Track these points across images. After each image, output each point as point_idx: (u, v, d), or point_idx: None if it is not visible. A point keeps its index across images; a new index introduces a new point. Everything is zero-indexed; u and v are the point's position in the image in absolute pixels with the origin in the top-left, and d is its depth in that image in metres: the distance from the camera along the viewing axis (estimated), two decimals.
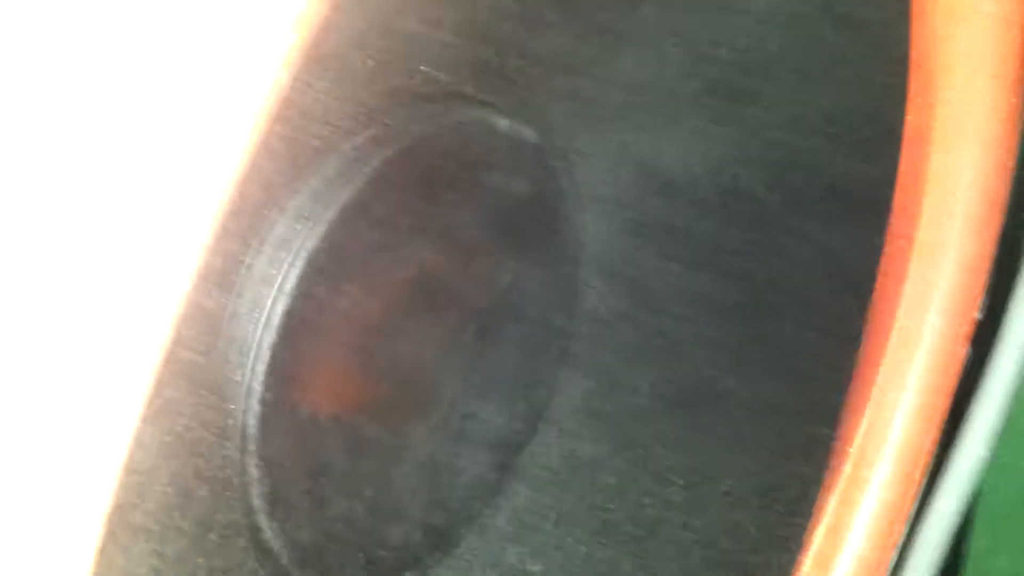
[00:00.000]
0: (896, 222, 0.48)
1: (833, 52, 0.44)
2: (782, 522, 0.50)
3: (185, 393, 0.31)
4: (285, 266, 0.34)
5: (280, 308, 0.34)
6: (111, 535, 0.27)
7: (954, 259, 0.48)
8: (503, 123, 0.41)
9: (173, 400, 0.30)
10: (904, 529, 0.49)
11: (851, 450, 0.50)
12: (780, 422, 0.50)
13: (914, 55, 0.44)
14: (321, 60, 0.34)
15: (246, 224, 0.33)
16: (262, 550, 0.36)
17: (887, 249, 0.48)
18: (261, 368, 0.34)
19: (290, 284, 0.34)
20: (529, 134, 0.42)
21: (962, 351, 0.49)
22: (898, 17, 0.43)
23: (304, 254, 0.34)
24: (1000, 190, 0.47)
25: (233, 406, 0.33)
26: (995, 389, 0.45)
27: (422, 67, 0.36)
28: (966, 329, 0.49)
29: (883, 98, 0.45)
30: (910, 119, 0.46)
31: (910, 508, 0.49)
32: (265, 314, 0.34)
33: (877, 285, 0.49)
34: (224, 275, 0.33)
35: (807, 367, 0.49)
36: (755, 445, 0.50)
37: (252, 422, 0.34)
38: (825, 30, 0.43)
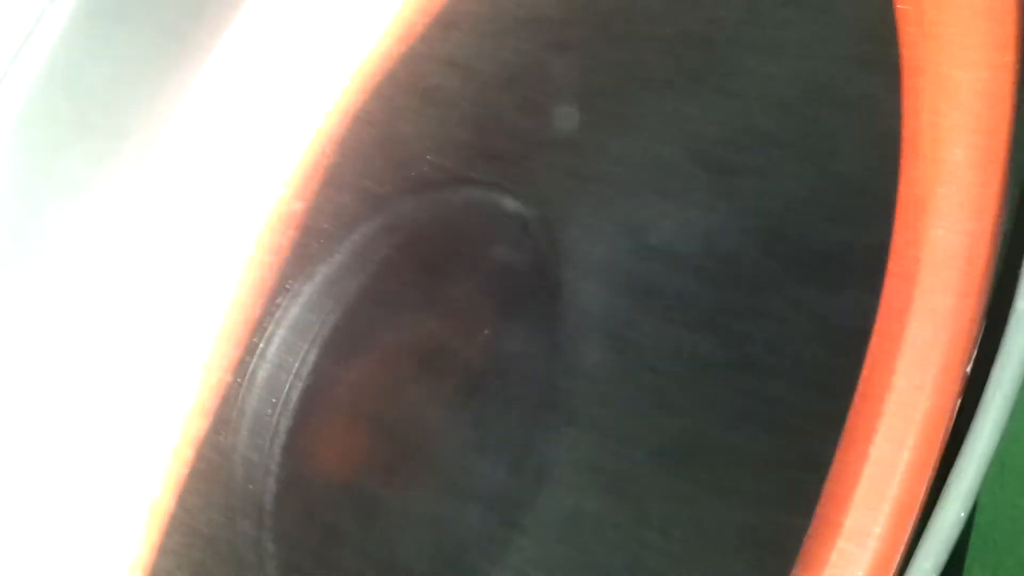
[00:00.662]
0: (891, 288, 0.50)
1: (825, 129, 0.46)
2: (770, 568, 0.52)
3: (200, 479, 0.32)
4: (301, 352, 0.35)
5: (296, 391, 0.35)
6: None
7: (949, 323, 0.50)
8: (506, 202, 0.42)
9: (189, 489, 0.31)
10: None
11: (850, 502, 0.52)
12: (772, 474, 0.52)
13: (906, 130, 0.46)
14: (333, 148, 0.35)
15: (261, 310, 0.35)
16: None
17: (881, 313, 0.50)
18: (277, 447, 0.35)
19: (305, 369, 0.35)
20: (531, 211, 0.43)
21: (952, 405, 0.51)
22: (888, 94, 0.45)
23: (319, 340, 0.36)
24: (988, 255, 0.49)
25: (251, 486, 0.35)
26: (979, 443, 0.47)
27: (428, 156, 0.37)
28: (957, 386, 0.51)
29: (874, 170, 0.47)
30: (903, 190, 0.48)
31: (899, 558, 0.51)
32: (282, 397, 0.35)
33: (871, 346, 0.51)
34: (239, 360, 0.34)
35: (798, 422, 0.51)
36: (748, 496, 0.51)
37: (268, 499, 0.35)
38: (817, 109, 0.45)
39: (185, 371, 0.32)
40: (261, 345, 0.36)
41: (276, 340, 0.36)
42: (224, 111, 0.26)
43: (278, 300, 0.36)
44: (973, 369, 0.50)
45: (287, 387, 0.35)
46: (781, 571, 0.52)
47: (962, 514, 0.46)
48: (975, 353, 0.50)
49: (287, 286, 0.36)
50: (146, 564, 0.26)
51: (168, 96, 0.23)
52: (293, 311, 0.36)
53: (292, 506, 0.37)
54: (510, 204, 0.43)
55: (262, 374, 0.36)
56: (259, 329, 0.35)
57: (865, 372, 0.51)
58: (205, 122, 0.25)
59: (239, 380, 0.35)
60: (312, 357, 0.36)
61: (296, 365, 0.36)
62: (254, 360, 0.36)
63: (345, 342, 0.38)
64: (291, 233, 0.34)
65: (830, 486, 0.51)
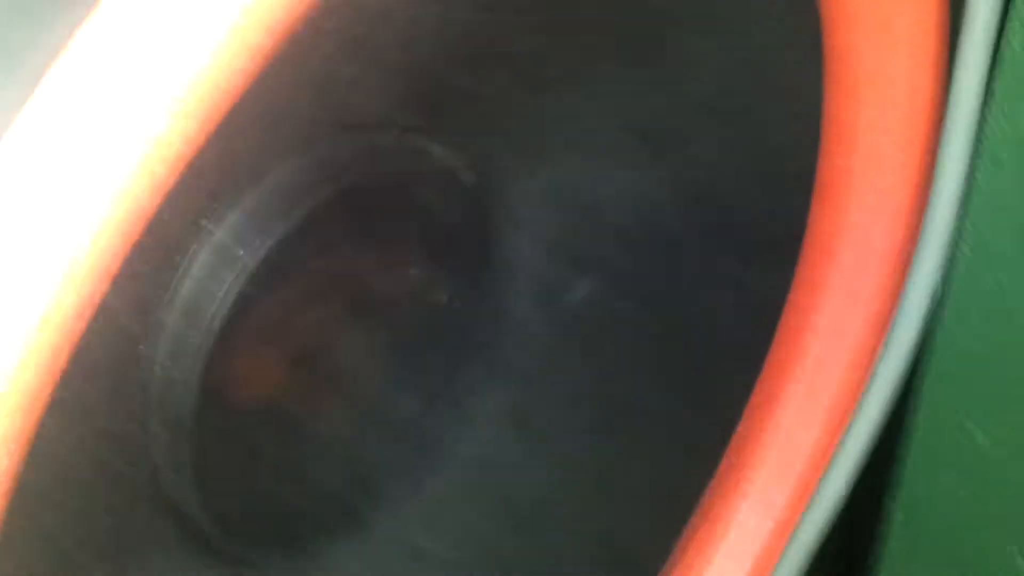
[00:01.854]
0: (807, 263, 0.52)
1: (755, 105, 0.48)
2: (674, 525, 0.54)
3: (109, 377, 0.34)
4: (225, 278, 0.38)
5: (219, 315, 0.38)
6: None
7: (864, 303, 0.52)
8: (437, 150, 0.45)
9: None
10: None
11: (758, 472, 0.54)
12: (683, 436, 0.54)
13: (828, 113, 0.48)
14: (265, 81, 0.37)
15: (182, 230, 0.37)
16: (186, 519, 0.41)
17: (795, 286, 0.52)
18: (198, 367, 0.38)
19: (229, 294, 0.38)
20: (462, 162, 0.46)
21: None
22: (813, 79, 0.46)
23: (243, 267, 0.38)
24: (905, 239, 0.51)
25: (169, 397, 0.37)
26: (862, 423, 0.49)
27: (360, 100, 0.39)
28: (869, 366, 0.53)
29: (800, 148, 0.49)
30: (824, 170, 0.50)
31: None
32: (205, 320, 0.37)
33: (784, 318, 0.53)
34: (159, 273, 0.37)
35: (712, 387, 0.53)
36: (657, 451, 0.54)
37: (186, 412, 0.38)
38: (748, 85, 0.47)
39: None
40: (184, 263, 0.38)
41: (200, 261, 0.39)
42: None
43: (202, 222, 0.38)
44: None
45: (211, 310, 0.38)
46: (682, 526, 0.54)
47: (842, 491, 0.49)
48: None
49: (213, 208, 0.38)
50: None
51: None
52: (218, 235, 0.39)
53: (210, 421, 0.39)
54: (441, 153, 0.45)
55: (185, 293, 0.38)
56: (181, 248, 0.38)
57: (776, 343, 0.53)
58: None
59: (161, 293, 0.38)
60: (236, 283, 0.38)
61: (219, 290, 0.38)
62: (176, 276, 0.38)
63: (269, 271, 0.40)
64: (220, 155, 0.37)
65: (741, 457, 0.54)
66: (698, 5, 0.46)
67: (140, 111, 0.26)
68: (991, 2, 0.40)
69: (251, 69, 0.30)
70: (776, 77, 0.47)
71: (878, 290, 0.51)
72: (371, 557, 0.49)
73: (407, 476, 0.50)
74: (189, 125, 0.28)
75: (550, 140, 0.48)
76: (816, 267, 0.51)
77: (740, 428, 0.54)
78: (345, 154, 0.42)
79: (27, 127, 0.25)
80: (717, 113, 0.47)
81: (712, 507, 0.53)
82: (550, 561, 0.52)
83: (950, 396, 0.48)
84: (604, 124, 0.47)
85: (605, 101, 0.47)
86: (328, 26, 0.33)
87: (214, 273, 0.38)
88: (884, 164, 0.49)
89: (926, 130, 0.49)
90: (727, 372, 0.52)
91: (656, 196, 0.49)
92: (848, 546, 0.67)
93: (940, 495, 0.53)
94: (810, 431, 0.53)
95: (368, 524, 0.49)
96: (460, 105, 0.44)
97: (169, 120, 0.27)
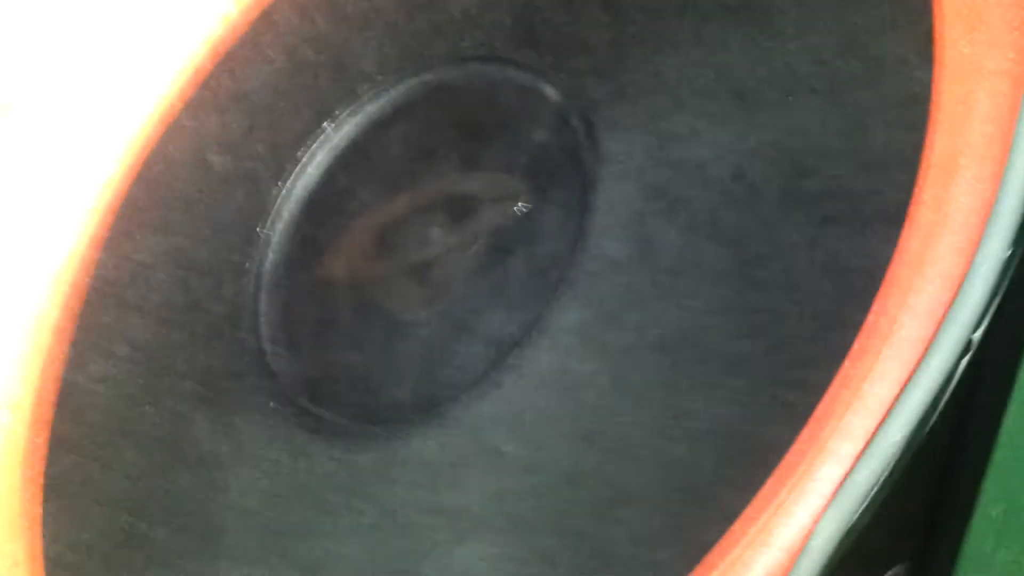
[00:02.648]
0: (907, 241, 0.54)
1: (856, 83, 0.50)
2: (744, 469, 0.57)
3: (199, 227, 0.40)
4: (320, 159, 0.43)
5: (307, 188, 0.43)
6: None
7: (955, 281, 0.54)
8: (548, 90, 0.49)
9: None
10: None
11: (830, 426, 0.56)
12: (759, 383, 0.57)
13: (934, 98, 0.50)
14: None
15: (300, 126, 0.42)
16: (274, 378, 0.47)
17: (893, 259, 0.54)
18: (286, 232, 0.43)
19: (318, 172, 0.43)
20: (572, 104, 0.49)
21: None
22: (920, 61, 0.48)
23: (335, 150, 0.43)
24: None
25: (260, 257, 0.43)
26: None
27: (476, 32, 0.44)
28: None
29: (900, 129, 0.51)
30: (927, 153, 0.51)
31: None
32: (296, 190, 0.43)
33: (880, 293, 0.55)
34: (274, 162, 0.42)
35: (791, 341, 0.56)
36: (734, 398, 0.57)
37: (274, 272, 0.44)
38: (850, 62, 0.49)
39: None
40: (302, 156, 0.44)
41: (316, 156, 0.44)
42: None
43: (321, 122, 0.44)
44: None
45: (316, 194, 0.43)
46: (754, 473, 0.57)
47: (898, 436, 0.51)
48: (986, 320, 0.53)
49: (330, 112, 0.44)
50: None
51: None
52: (333, 134, 0.44)
53: (295, 283, 0.45)
54: (552, 92, 0.49)
55: (299, 183, 0.44)
56: (300, 142, 0.43)
57: (871, 316, 0.55)
58: None
59: (277, 181, 0.44)
60: (343, 175, 0.43)
61: (311, 164, 0.43)
62: (295, 170, 0.44)
63: (377, 172, 0.45)
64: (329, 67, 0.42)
65: (817, 409, 0.56)
66: None
67: None
68: None
69: None
70: (879, 57, 0.49)
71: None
72: (446, 445, 0.54)
73: (482, 376, 0.55)
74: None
75: (652, 91, 0.51)
76: (918, 247, 0.53)
77: (829, 390, 0.56)
78: (458, 78, 0.46)
79: None
80: (816, 85, 0.50)
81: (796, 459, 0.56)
82: (612, 474, 0.56)
83: None
84: (705, 83, 0.50)
85: (708, 61, 0.50)
86: None
87: (320, 158, 0.43)
88: (991, 152, 0.51)
89: None
90: (797, 324, 0.55)
91: (748, 155, 0.52)
92: (932, 522, 0.69)
93: None
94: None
95: (444, 416, 0.54)
96: (571, 48, 0.48)
97: None
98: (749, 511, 0.57)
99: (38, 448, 0.32)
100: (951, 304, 0.51)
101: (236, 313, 0.44)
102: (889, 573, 0.69)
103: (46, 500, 0.33)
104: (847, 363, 0.56)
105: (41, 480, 0.32)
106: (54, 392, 0.32)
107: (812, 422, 0.56)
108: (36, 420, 0.31)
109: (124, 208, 0.32)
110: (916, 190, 0.52)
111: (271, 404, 0.47)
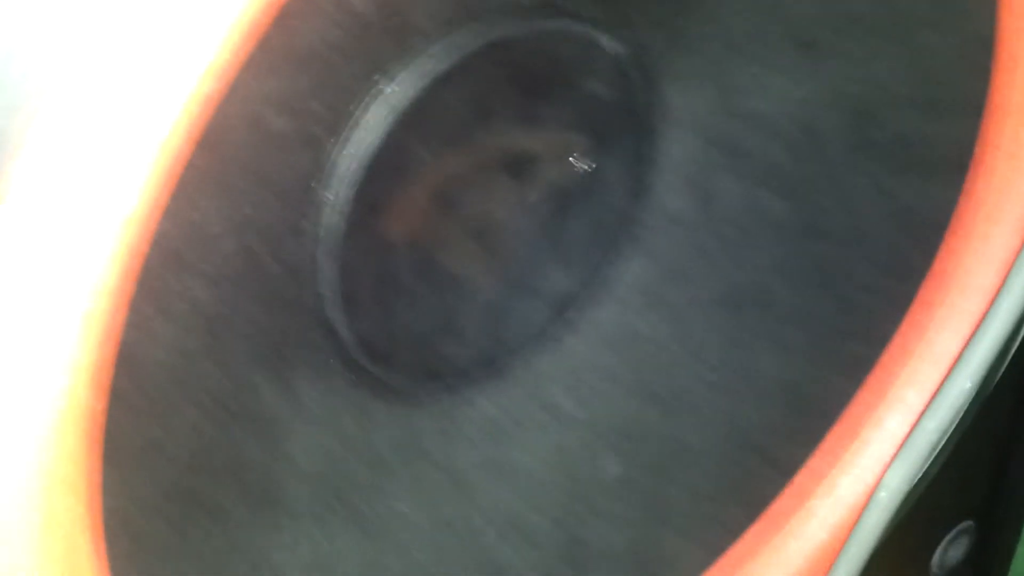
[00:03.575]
0: (973, 187, 0.53)
1: (919, 24, 0.48)
2: (809, 422, 0.56)
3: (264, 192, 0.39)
4: (379, 116, 0.43)
5: (369, 149, 0.43)
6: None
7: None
8: (603, 39, 0.48)
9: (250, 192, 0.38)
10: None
11: (899, 378, 0.56)
12: (824, 336, 0.56)
13: (1000, 40, 0.48)
14: None
15: (353, 80, 0.42)
16: (335, 338, 0.46)
17: (960, 206, 0.53)
18: (350, 194, 0.43)
19: (380, 132, 0.43)
20: (627, 52, 0.48)
21: None
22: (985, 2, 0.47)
23: (397, 110, 0.43)
24: None
25: (321, 218, 0.43)
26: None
27: None
28: None
29: (964, 71, 0.49)
30: (993, 96, 0.50)
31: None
32: (358, 151, 0.42)
33: (946, 240, 0.54)
34: (330, 121, 0.42)
35: (856, 292, 0.55)
36: (796, 351, 0.56)
37: (336, 234, 0.43)
38: (912, 2, 0.48)
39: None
40: (356, 113, 0.43)
41: (371, 112, 0.43)
42: None
43: (375, 77, 0.43)
44: None
45: (366, 140, 0.43)
46: (818, 427, 0.56)
47: (968, 384, 0.50)
48: None
49: (384, 67, 0.43)
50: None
51: None
52: (388, 90, 0.43)
53: (358, 245, 0.44)
54: (607, 42, 0.48)
55: (354, 138, 0.43)
56: (355, 98, 0.43)
57: (938, 264, 0.54)
58: None
59: (332, 139, 0.43)
60: (399, 132, 0.43)
61: (375, 126, 0.43)
62: (348, 125, 0.43)
63: (433, 128, 0.45)
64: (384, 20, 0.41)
65: (884, 359, 0.55)
66: None
67: None
68: None
69: None
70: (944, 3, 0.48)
71: None
72: (505, 404, 0.54)
73: (542, 333, 0.54)
74: None
75: (714, 41, 0.50)
76: (989, 194, 0.52)
77: (895, 340, 0.55)
78: (513, 30, 0.45)
79: None
80: (881, 28, 0.48)
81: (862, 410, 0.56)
82: (675, 432, 0.56)
83: None
84: (769, 31, 0.49)
85: (772, 8, 0.48)
86: None
87: (374, 115, 0.43)
88: None
89: None
90: (863, 275, 0.54)
91: (812, 105, 0.51)
92: (1000, 478, 0.68)
93: None
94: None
95: (504, 374, 0.54)
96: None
97: None
98: (812, 463, 0.56)
99: (98, 410, 0.31)
100: (1021, 251, 0.50)
101: (296, 274, 0.44)
102: (955, 530, 0.68)
103: (107, 461, 0.33)
104: (914, 312, 0.55)
105: (101, 442, 0.32)
106: (114, 354, 0.31)
107: (878, 372, 0.56)
108: (96, 382, 0.31)
109: (185, 171, 0.31)
110: (987, 135, 0.51)
111: (331, 364, 0.47)
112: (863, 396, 0.56)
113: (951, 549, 0.70)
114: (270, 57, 0.34)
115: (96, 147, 0.30)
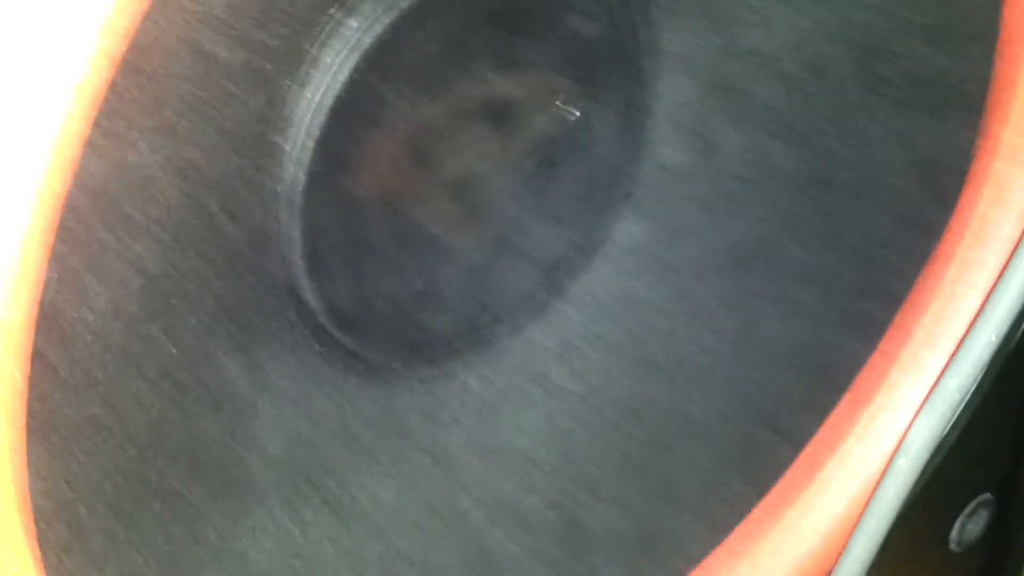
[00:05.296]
0: (989, 122, 0.49)
1: None
2: (820, 389, 0.53)
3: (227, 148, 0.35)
4: (341, 56, 0.38)
5: (331, 93, 0.38)
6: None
7: None
8: None
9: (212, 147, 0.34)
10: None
11: (912, 336, 0.52)
12: (835, 294, 0.52)
13: None
14: None
15: (304, 11, 0.38)
16: (301, 305, 0.42)
17: (978, 149, 0.49)
18: (310, 143, 0.39)
19: (343, 74, 0.38)
20: None
21: None
22: None
23: (361, 49, 0.38)
24: None
25: (280, 172, 0.39)
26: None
27: None
28: None
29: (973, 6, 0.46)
30: (1009, 19, 0.46)
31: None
32: (318, 95, 0.38)
33: (965, 188, 0.50)
34: (283, 57, 0.38)
35: (868, 246, 0.51)
36: (805, 312, 0.52)
37: (297, 189, 0.39)
38: None
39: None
40: (312, 51, 0.39)
41: (329, 51, 0.39)
42: None
43: (331, 10, 0.39)
44: None
45: (323, 88, 0.38)
46: (829, 394, 0.53)
47: (992, 337, 0.47)
48: None
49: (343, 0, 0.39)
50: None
51: None
52: (348, 25, 0.39)
53: (324, 205, 0.40)
54: None
55: (312, 82, 0.39)
56: (309, 33, 0.38)
57: (958, 215, 0.50)
58: None
59: (287, 82, 0.39)
60: (349, 59, 0.38)
61: (334, 66, 0.39)
62: (305, 66, 0.39)
63: (389, 60, 0.40)
64: None
65: (897, 318, 0.52)
66: None
67: None
68: None
69: None
70: None
71: None
72: (492, 378, 0.50)
73: (532, 300, 0.50)
74: None
75: None
76: (1011, 136, 0.49)
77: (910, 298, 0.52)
78: None
79: None
80: None
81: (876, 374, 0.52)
82: (677, 404, 0.52)
83: None
84: None
85: None
86: None
87: (335, 54, 0.38)
88: None
89: None
90: (876, 228, 0.50)
91: (817, 39, 0.47)
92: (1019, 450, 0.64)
93: None
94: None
95: (490, 346, 0.50)
96: None
97: None
98: (824, 432, 0.53)
99: (17, 378, 0.27)
100: None
101: (256, 235, 0.40)
102: (974, 503, 0.65)
103: (33, 443, 0.29)
104: (930, 268, 0.51)
105: (23, 419, 0.28)
106: (33, 313, 0.27)
107: (892, 333, 0.52)
108: (12, 345, 0.27)
109: (110, 99, 0.27)
110: (1004, 69, 0.47)
111: (298, 334, 0.43)
112: (877, 359, 0.52)
113: (969, 523, 0.66)
114: None
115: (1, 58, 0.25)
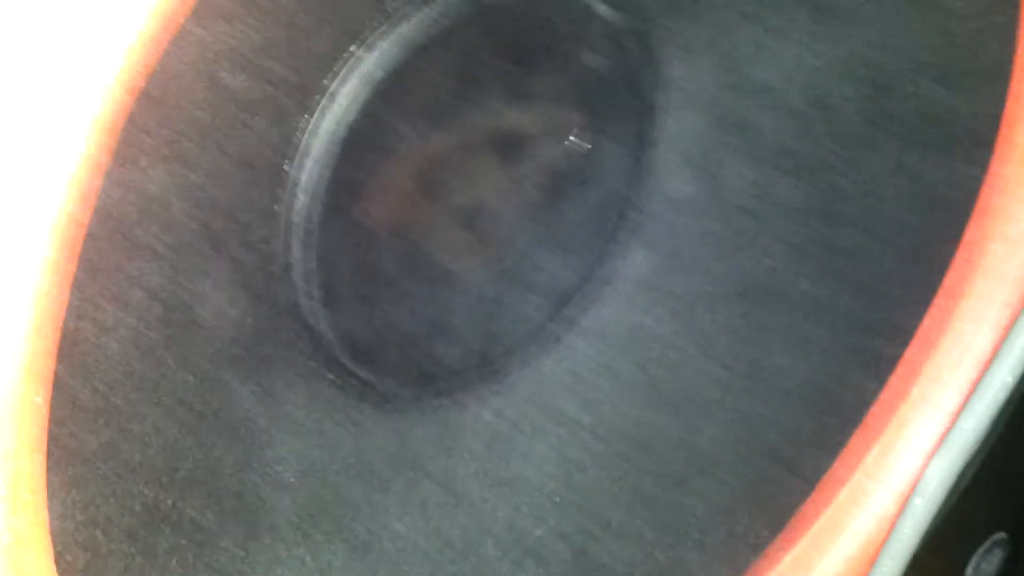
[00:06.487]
0: (998, 163, 0.49)
1: None
2: (830, 424, 0.53)
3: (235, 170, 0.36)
4: (354, 88, 0.39)
5: (344, 124, 0.39)
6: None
7: None
8: (600, 6, 0.44)
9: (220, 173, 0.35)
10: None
11: (923, 373, 0.52)
12: (843, 328, 0.52)
13: None
14: None
15: (325, 47, 0.38)
16: (315, 335, 0.43)
17: (985, 185, 0.49)
18: (324, 174, 0.39)
19: (356, 105, 0.39)
20: (625, 22, 0.45)
21: None
22: None
23: (374, 81, 0.39)
24: None
25: (297, 202, 0.39)
26: None
27: None
28: None
29: (990, 36, 0.46)
30: (1020, 62, 0.46)
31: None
32: (332, 126, 0.39)
33: (971, 222, 0.50)
34: (298, 90, 0.38)
35: (877, 281, 0.51)
36: (814, 347, 0.52)
37: (312, 219, 0.40)
38: None
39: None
40: (331, 88, 0.40)
41: (346, 86, 0.40)
42: None
43: (351, 47, 0.39)
44: None
45: (339, 115, 0.39)
46: (840, 430, 0.53)
47: (1009, 379, 0.47)
48: None
49: (361, 34, 0.39)
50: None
51: None
52: (365, 62, 0.40)
53: (338, 236, 0.41)
54: (606, 10, 0.45)
55: (329, 115, 0.40)
56: (327, 68, 0.39)
57: (961, 247, 0.50)
58: None
59: (302, 113, 0.39)
60: (363, 90, 0.39)
61: (348, 98, 0.39)
62: (323, 100, 0.40)
63: (415, 103, 0.41)
64: None
65: (906, 354, 0.52)
66: None
67: None
68: None
69: None
70: None
71: None
72: (503, 409, 0.50)
73: (541, 331, 0.50)
74: None
75: (717, 4, 0.46)
76: (1015, 171, 0.49)
77: (919, 333, 0.52)
78: None
79: None
80: None
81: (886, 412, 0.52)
82: (687, 437, 0.52)
83: None
84: None
85: None
86: None
87: (348, 86, 0.39)
88: None
89: None
90: (882, 262, 0.50)
91: (825, 74, 0.47)
92: None
93: None
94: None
95: (500, 377, 0.50)
96: None
97: None
98: (836, 470, 0.52)
99: (37, 406, 0.28)
100: None
101: (270, 264, 0.40)
102: (988, 542, 0.65)
103: (52, 467, 0.29)
104: (939, 303, 0.51)
105: (44, 444, 0.28)
106: (55, 342, 0.28)
107: (902, 368, 0.52)
108: (34, 373, 0.27)
109: (129, 130, 0.28)
110: (1013, 108, 0.47)
111: (311, 364, 0.43)
112: (887, 395, 0.52)
113: (984, 563, 0.66)
114: (225, 4, 0.30)
115: (20, 94, 0.26)
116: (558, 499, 0.51)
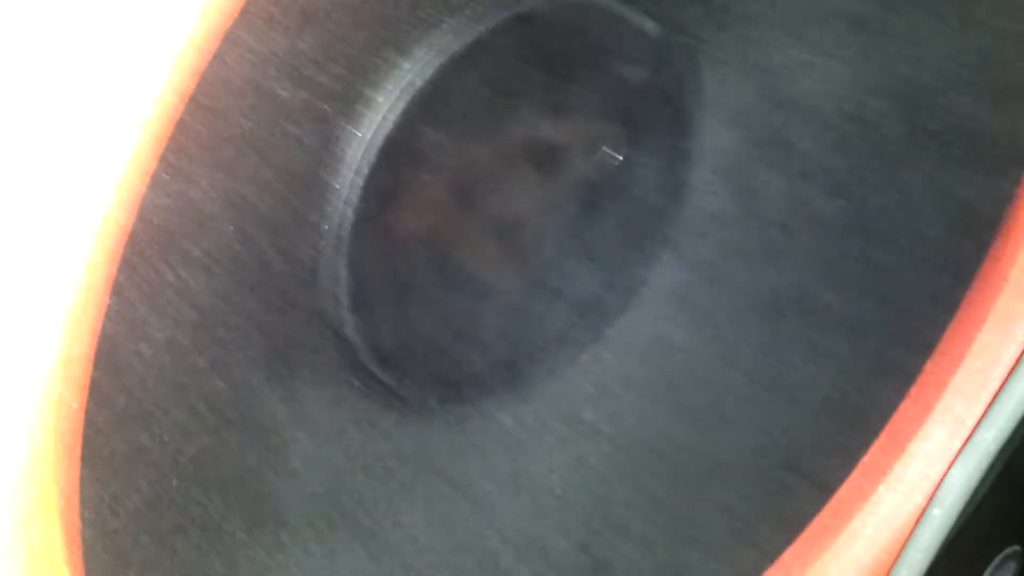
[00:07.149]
0: None
1: (981, 5, 0.45)
2: (851, 435, 0.52)
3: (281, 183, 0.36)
4: (392, 97, 0.39)
5: (381, 133, 0.39)
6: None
7: None
8: (640, 20, 0.44)
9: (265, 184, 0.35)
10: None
11: (947, 386, 0.52)
12: (869, 343, 0.52)
13: None
14: None
15: (365, 54, 0.38)
16: (342, 341, 0.42)
17: (1017, 200, 0.49)
18: (359, 182, 0.39)
19: (394, 115, 0.39)
20: (664, 35, 0.45)
21: None
22: None
23: (412, 91, 0.39)
24: None
25: (329, 209, 0.39)
26: None
27: None
28: None
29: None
30: None
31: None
32: (368, 135, 0.39)
33: (1000, 237, 0.50)
34: (339, 97, 0.38)
35: (903, 295, 0.51)
36: (837, 359, 0.52)
37: (345, 227, 0.39)
38: None
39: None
40: (367, 92, 0.39)
41: (390, 98, 0.40)
42: None
43: (384, 53, 0.39)
44: None
45: (375, 124, 0.39)
46: (861, 441, 0.52)
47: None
48: None
49: (399, 43, 0.39)
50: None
51: None
52: (409, 75, 0.39)
53: (368, 242, 0.40)
54: (650, 26, 0.44)
55: (366, 123, 0.40)
56: (372, 79, 0.39)
57: (988, 262, 0.50)
58: None
59: (342, 121, 0.39)
60: (402, 98, 0.39)
61: (385, 108, 0.39)
62: (357, 105, 0.39)
63: (439, 101, 0.40)
64: None
65: (930, 367, 0.51)
66: None
67: None
68: None
69: None
70: None
71: None
72: (525, 417, 0.50)
73: (570, 343, 0.50)
74: None
75: (759, 21, 0.46)
76: None
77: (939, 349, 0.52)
78: (541, 6, 0.41)
79: None
80: (938, 6, 0.44)
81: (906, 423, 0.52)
82: (709, 448, 0.52)
83: None
84: (819, 9, 0.45)
85: None
86: None
87: (387, 95, 0.39)
88: None
89: None
90: (918, 280, 0.50)
91: (866, 92, 0.47)
92: None
93: None
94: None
95: (525, 386, 0.50)
96: None
97: None
98: (855, 479, 0.52)
99: (75, 408, 0.27)
100: None
101: (301, 269, 0.40)
102: (1001, 555, 0.64)
103: (86, 467, 0.29)
104: (966, 317, 0.51)
105: (79, 444, 0.28)
106: (93, 344, 0.27)
107: (923, 381, 0.52)
108: (71, 376, 0.27)
109: (176, 136, 0.27)
110: None
111: (338, 370, 0.43)
112: (909, 407, 0.52)
113: (997, 575, 0.65)
114: (276, 13, 0.30)
115: (72, 99, 0.26)
116: (578, 508, 0.51)
